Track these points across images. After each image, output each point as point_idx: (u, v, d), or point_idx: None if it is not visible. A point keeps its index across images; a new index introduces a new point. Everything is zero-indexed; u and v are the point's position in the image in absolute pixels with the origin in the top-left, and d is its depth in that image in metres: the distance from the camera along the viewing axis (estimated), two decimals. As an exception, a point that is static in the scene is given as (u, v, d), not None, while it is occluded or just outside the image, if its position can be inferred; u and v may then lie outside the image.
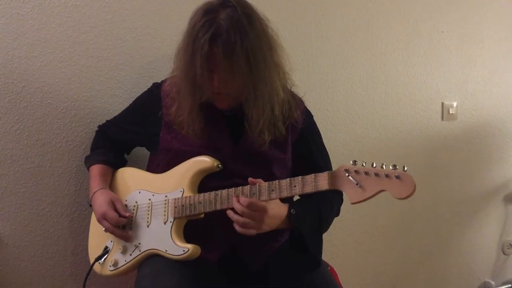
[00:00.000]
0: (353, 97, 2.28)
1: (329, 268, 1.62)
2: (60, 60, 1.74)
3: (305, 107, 1.63)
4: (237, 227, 1.38)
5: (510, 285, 2.81)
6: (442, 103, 2.51)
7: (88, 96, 1.79)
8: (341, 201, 1.63)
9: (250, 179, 1.39)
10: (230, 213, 1.38)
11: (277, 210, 1.43)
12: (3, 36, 1.66)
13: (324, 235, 2.20)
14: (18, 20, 1.68)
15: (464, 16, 2.51)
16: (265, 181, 1.49)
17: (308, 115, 1.62)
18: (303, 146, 1.59)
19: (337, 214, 1.64)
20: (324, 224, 1.57)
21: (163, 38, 1.87)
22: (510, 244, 2.81)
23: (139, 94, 1.72)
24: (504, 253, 2.82)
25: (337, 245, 2.31)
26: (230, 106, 1.50)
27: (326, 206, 1.56)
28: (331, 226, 1.68)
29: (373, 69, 2.31)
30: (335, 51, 2.22)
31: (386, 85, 2.35)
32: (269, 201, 1.38)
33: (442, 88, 2.50)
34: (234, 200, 1.38)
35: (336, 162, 2.14)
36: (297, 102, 1.57)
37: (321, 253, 1.57)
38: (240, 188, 1.40)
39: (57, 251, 1.81)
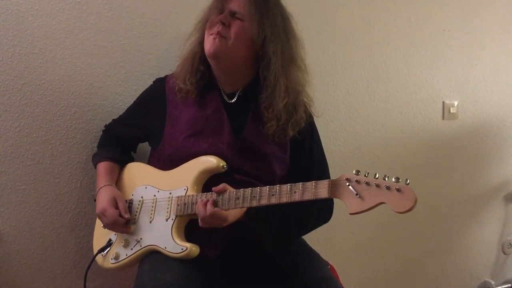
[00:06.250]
0: (354, 95, 2.28)
1: (329, 266, 1.62)
2: (60, 58, 1.74)
3: (311, 115, 1.63)
4: (199, 220, 1.40)
5: (510, 285, 2.81)
6: (443, 102, 2.50)
7: (89, 94, 1.79)
8: (326, 212, 1.61)
9: (213, 188, 1.41)
10: (198, 208, 1.39)
11: (236, 218, 1.44)
12: (3, 33, 1.66)
13: (324, 234, 2.23)
14: (19, 17, 1.67)
15: (466, 16, 2.50)
16: (266, 176, 1.52)
17: (311, 123, 1.62)
18: (298, 149, 1.59)
19: (320, 221, 1.63)
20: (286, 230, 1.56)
21: (163, 35, 1.87)
22: (510, 244, 2.81)
23: (139, 91, 1.73)
24: (504, 253, 2.81)
25: (337, 243, 2.31)
26: (231, 83, 1.56)
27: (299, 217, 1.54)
28: (331, 225, 1.68)
29: (374, 68, 2.31)
30: (336, 50, 2.21)
31: (387, 83, 2.35)
32: (231, 210, 1.39)
33: (443, 87, 2.49)
34: (201, 203, 1.39)
35: (336, 161, 2.18)
36: (307, 117, 1.58)
37: (275, 244, 1.56)
38: (241, 190, 1.39)
39: (57, 248, 1.81)
